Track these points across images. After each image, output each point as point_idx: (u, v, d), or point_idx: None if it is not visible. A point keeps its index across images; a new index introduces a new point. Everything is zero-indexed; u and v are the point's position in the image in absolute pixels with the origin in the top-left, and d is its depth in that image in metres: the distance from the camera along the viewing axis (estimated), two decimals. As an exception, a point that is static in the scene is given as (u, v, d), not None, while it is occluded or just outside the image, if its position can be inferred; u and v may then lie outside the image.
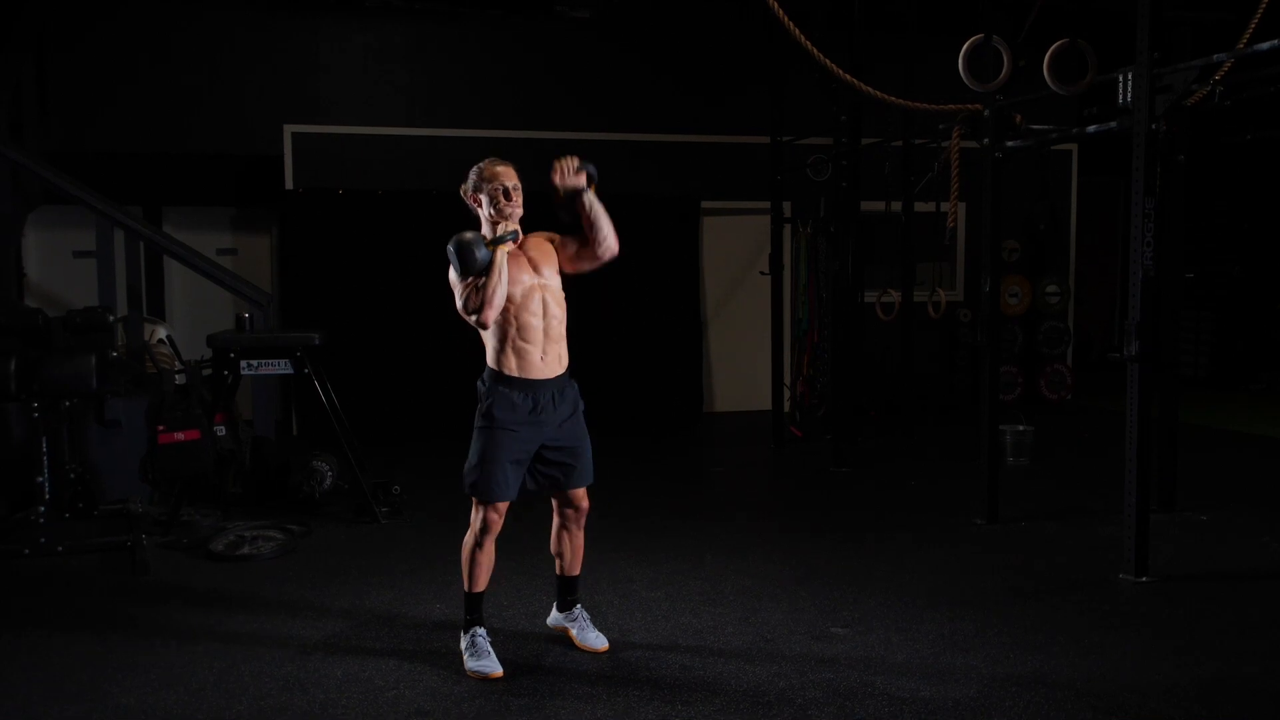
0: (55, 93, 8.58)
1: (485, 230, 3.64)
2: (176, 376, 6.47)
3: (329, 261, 8.61)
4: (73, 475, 5.86)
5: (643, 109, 9.58)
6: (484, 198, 3.63)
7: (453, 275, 3.57)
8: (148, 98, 8.78)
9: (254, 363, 5.99)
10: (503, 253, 3.52)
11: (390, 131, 9.12)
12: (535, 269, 3.64)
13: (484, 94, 9.30)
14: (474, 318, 3.54)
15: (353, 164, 8.99)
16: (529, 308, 3.59)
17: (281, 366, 6.00)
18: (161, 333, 6.98)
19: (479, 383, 3.68)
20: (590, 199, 3.60)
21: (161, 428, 5.89)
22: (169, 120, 8.84)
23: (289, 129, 8.88)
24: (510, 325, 3.58)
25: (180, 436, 5.93)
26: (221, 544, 5.25)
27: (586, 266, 3.73)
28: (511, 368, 3.60)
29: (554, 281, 3.68)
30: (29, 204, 7.98)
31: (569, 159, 3.61)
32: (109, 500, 6.01)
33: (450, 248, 3.49)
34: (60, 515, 5.49)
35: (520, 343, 3.59)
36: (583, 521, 3.88)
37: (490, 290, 3.48)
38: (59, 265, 8.93)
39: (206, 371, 6.56)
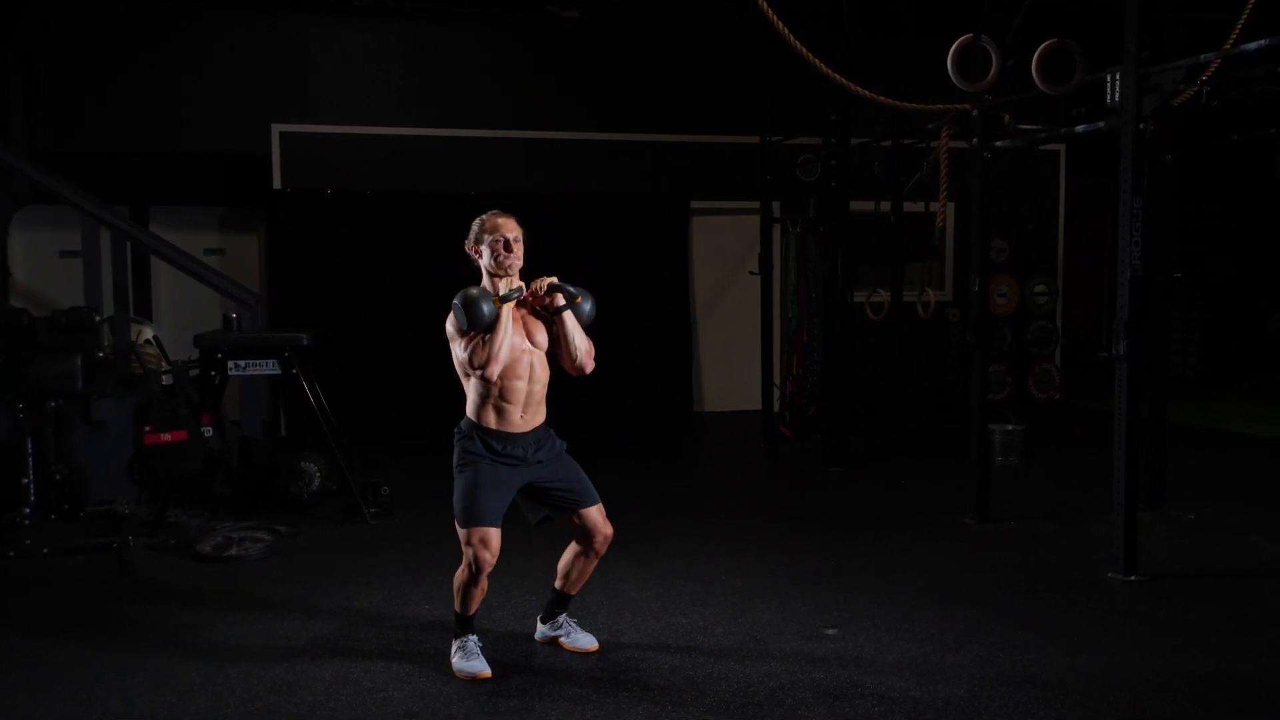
0: (43, 91, 8.53)
1: (485, 281, 3.65)
2: (163, 377, 6.43)
3: (317, 261, 8.57)
4: (59, 476, 5.83)
5: (633, 108, 9.56)
6: (484, 249, 3.63)
7: (450, 327, 3.58)
8: (136, 97, 8.74)
9: (241, 363, 5.96)
10: (508, 309, 3.54)
11: (379, 131, 9.09)
12: (528, 333, 3.65)
13: (474, 94, 9.27)
14: (479, 372, 3.54)
15: (342, 164, 8.96)
16: (516, 371, 3.60)
17: (269, 367, 5.97)
18: (148, 333, 6.94)
19: (456, 430, 3.68)
20: (566, 319, 3.65)
21: (148, 428, 5.86)
22: (157, 120, 8.79)
23: (277, 128, 8.84)
24: (495, 385, 3.58)
25: (167, 437, 5.90)
26: (209, 545, 5.22)
27: (561, 364, 3.74)
28: (490, 422, 3.61)
29: (543, 350, 3.69)
30: (15, 203, 7.93)
31: (540, 282, 3.65)
32: (96, 501, 5.97)
33: (457, 303, 3.50)
34: (46, 517, 5.45)
35: (502, 402, 3.60)
36: (603, 551, 3.82)
37: (496, 346, 3.50)
38: (45, 265, 8.88)
39: (194, 372, 6.52)
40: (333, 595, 4.57)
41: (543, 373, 3.69)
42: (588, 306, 3.72)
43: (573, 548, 3.84)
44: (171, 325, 8.65)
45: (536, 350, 3.66)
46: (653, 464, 7.83)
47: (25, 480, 5.35)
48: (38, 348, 5.75)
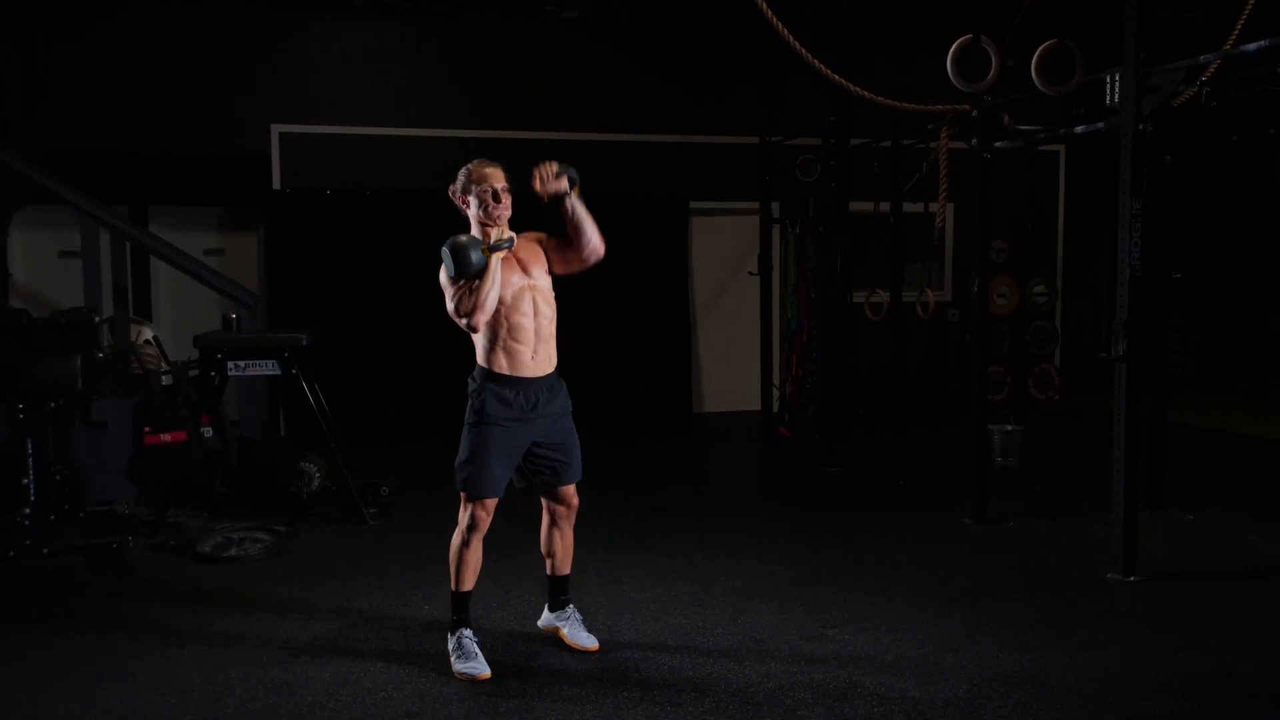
0: (42, 91, 8.53)
1: (475, 230, 3.65)
2: (163, 377, 6.43)
3: (317, 262, 8.57)
4: (59, 477, 5.82)
5: (632, 109, 9.57)
6: (472, 199, 3.64)
7: (443, 276, 3.58)
8: (135, 97, 8.74)
9: (241, 363, 5.96)
10: (497, 259, 3.53)
11: (378, 131, 9.09)
12: (525, 270, 3.65)
13: (473, 94, 9.28)
14: (465, 320, 3.54)
15: (341, 164, 8.96)
16: (520, 309, 3.61)
17: (269, 367, 5.98)
18: (148, 333, 6.94)
19: (469, 379, 3.69)
20: (573, 203, 3.59)
21: (148, 429, 5.86)
22: (156, 120, 8.79)
23: (276, 129, 8.85)
24: (501, 326, 3.60)
25: (167, 438, 5.90)
26: (209, 545, 5.22)
27: (574, 268, 3.73)
28: (502, 366, 3.61)
29: (543, 282, 3.69)
30: (14, 203, 7.92)
31: (547, 164, 3.58)
32: (96, 501, 5.97)
33: (445, 250, 3.50)
34: (46, 517, 5.45)
35: (511, 342, 3.61)
36: (573, 519, 3.91)
37: (483, 295, 3.50)
38: (45, 265, 8.88)
39: (193, 372, 6.53)
40: (332, 596, 4.57)
41: (547, 308, 3.68)
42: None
43: (545, 525, 3.92)
44: (171, 326, 8.66)
45: (538, 284, 3.65)
46: (652, 464, 7.83)
47: (25, 480, 5.34)
48: (37, 348, 5.75)
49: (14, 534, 5.29)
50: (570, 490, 3.84)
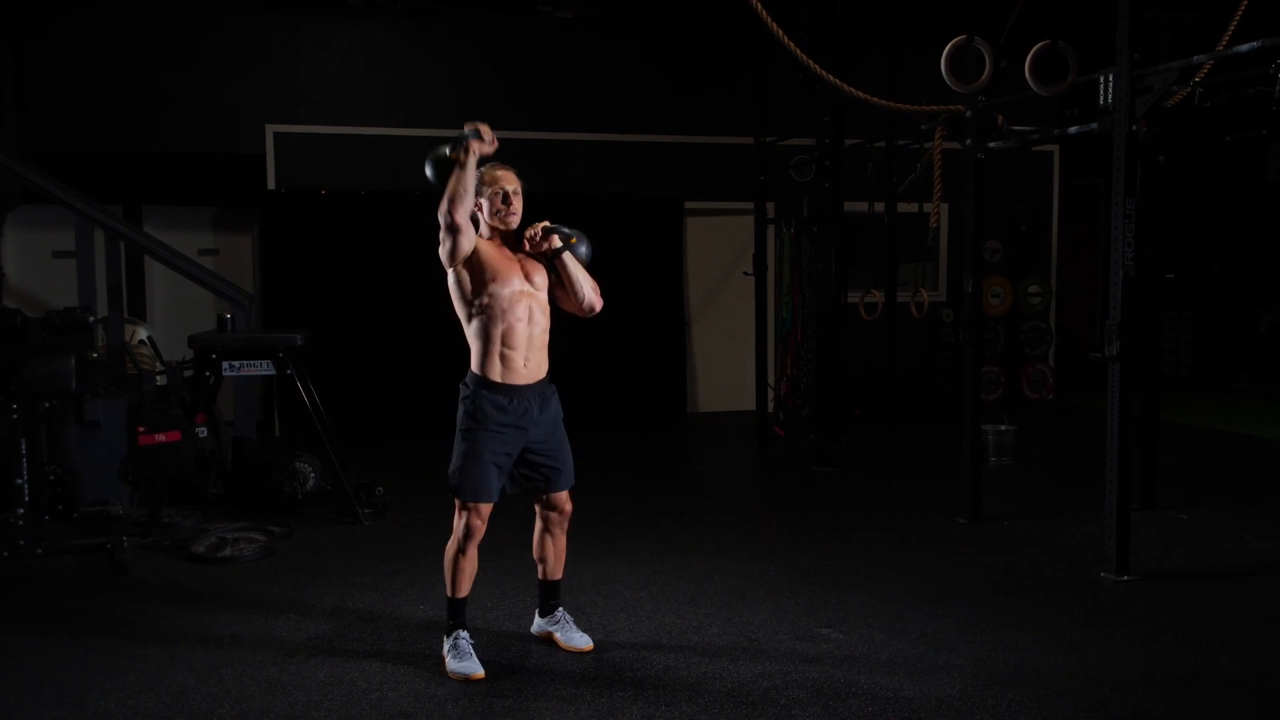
0: (33, 90, 8.52)
1: (484, 231, 3.70)
2: (157, 377, 6.43)
3: (312, 262, 8.57)
4: (52, 477, 5.81)
5: (627, 109, 9.58)
6: (484, 202, 3.65)
7: (442, 254, 3.57)
8: (128, 95, 8.73)
9: (236, 363, 5.96)
10: (473, 160, 3.49)
11: (373, 131, 9.09)
12: (527, 277, 3.67)
13: (468, 94, 9.28)
14: (445, 220, 3.48)
15: (336, 164, 8.96)
16: (515, 311, 3.61)
17: (263, 367, 5.97)
18: (142, 333, 6.93)
19: (461, 386, 3.70)
20: (567, 260, 3.67)
21: (142, 429, 5.85)
22: (150, 119, 8.79)
23: (271, 129, 8.84)
24: (496, 328, 3.60)
25: (161, 438, 5.88)
26: (203, 545, 5.22)
27: (570, 311, 3.79)
28: (495, 373, 3.62)
29: (542, 292, 3.71)
30: (7, 203, 7.91)
31: (534, 228, 3.67)
32: (89, 502, 5.96)
33: (426, 165, 3.56)
34: (39, 517, 5.44)
35: (505, 349, 3.62)
36: (566, 525, 3.91)
37: (455, 184, 3.47)
38: (38, 265, 8.86)
39: (188, 372, 6.51)
40: (327, 596, 4.57)
41: (542, 317, 3.70)
42: (584, 249, 3.75)
43: (537, 531, 3.91)
44: (165, 326, 8.65)
45: (536, 293, 3.67)
46: (646, 463, 7.84)
47: (19, 480, 5.34)
48: (31, 348, 5.74)
49: (7, 534, 5.27)
50: (563, 497, 3.84)
